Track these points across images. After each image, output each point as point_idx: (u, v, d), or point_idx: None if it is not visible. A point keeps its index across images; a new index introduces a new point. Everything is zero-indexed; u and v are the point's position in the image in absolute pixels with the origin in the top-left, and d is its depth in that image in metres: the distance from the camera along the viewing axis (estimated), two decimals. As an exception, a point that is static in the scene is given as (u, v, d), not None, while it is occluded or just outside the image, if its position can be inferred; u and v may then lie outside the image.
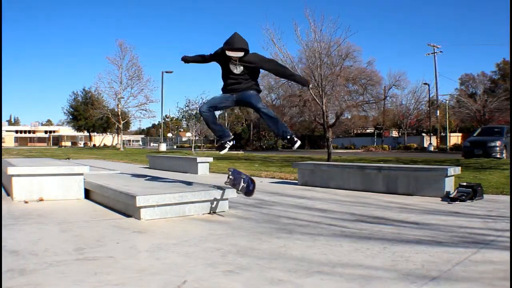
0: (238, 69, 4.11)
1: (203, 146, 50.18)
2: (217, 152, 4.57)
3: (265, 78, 34.42)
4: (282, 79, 30.79)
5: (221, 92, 4.29)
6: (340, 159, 14.10)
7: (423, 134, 44.75)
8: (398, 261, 2.45)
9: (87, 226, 3.42)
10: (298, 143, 4.11)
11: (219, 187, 4.19)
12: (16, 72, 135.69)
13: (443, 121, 40.59)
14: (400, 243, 2.88)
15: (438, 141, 39.35)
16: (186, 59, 4.56)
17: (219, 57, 4.17)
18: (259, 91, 4.30)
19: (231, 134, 4.42)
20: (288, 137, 4.13)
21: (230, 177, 4.04)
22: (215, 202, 4.08)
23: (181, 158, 11.57)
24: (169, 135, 71.78)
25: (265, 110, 4.12)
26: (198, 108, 3.92)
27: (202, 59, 4.46)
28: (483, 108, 36.00)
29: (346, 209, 4.46)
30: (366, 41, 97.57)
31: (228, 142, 4.32)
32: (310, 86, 3.90)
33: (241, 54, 3.99)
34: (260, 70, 4.32)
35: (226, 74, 4.19)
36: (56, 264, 2.32)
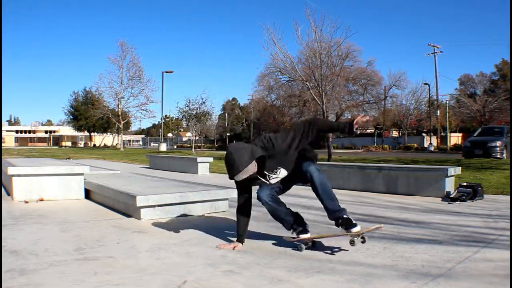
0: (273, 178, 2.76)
1: (203, 146, 50.19)
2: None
3: (265, 78, 34.46)
4: (283, 78, 30.83)
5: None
6: (340, 159, 14.08)
7: (423, 134, 44.71)
8: (398, 261, 2.45)
9: (87, 226, 3.42)
10: (357, 228, 2.65)
11: (219, 187, 4.19)
12: (16, 72, 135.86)
13: (443, 121, 40.56)
14: (400, 243, 2.88)
15: (438, 141, 39.34)
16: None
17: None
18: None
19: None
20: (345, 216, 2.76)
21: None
22: (215, 202, 4.08)
23: (181, 158, 11.57)
24: (169, 135, 71.79)
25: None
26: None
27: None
28: (483, 108, 35.97)
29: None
30: (366, 41, 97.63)
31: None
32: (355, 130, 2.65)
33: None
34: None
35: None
36: (56, 264, 2.32)
